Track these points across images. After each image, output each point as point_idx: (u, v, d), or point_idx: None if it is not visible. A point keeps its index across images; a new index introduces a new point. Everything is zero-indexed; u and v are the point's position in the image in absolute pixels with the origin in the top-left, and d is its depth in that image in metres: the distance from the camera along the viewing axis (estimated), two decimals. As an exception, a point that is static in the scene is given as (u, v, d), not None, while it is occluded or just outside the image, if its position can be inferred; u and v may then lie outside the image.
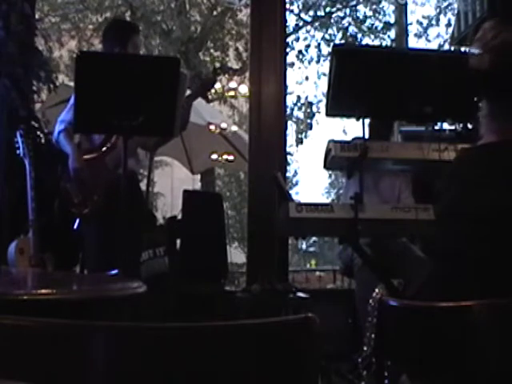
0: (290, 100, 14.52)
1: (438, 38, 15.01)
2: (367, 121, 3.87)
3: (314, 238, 17.59)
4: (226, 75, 13.54)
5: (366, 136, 3.46)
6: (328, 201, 17.34)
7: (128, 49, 3.64)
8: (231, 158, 8.88)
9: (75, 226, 3.55)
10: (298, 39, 14.65)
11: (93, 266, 3.65)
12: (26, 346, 0.91)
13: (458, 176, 1.67)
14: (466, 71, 1.63)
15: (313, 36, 14.79)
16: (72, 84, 4.07)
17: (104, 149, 3.69)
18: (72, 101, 3.68)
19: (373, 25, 14.82)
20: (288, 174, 13.87)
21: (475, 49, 1.60)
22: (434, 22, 14.90)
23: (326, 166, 3.17)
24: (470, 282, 1.52)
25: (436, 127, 3.36)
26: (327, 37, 14.76)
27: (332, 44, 14.43)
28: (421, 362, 1.37)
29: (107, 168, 3.64)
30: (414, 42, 14.81)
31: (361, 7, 14.87)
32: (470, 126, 3.17)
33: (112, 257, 3.18)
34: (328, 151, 3.06)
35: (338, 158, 3.03)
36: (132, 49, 3.64)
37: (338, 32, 14.72)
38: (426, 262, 3.42)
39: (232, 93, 11.89)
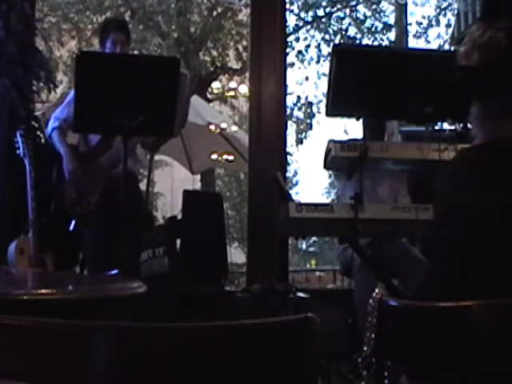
0: (290, 100, 14.55)
1: (438, 38, 15.04)
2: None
3: (314, 238, 17.60)
4: (226, 75, 13.54)
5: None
6: (328, 201, 17.33)
7: (107, 46, 3.63)
8: (231, 158, 8.88)
9: (71, 227, 3.55)
10: (297, 39, 14.68)
11: (92, 266, 3.66)
12: (26, 346, 0.91)
13: (457, 176, 1.67)
14: (458, 72, 1.63)
15: (313, 36, 14.83)
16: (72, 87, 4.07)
17: (98, 149, 3.69)
18: (69, 98, 3.68)
19: (373, 25, 14.84)
20: (288, 174, 13.88)
21: (463, 47, 1.61)
22: (433, 22, 14.91)
23: (325, 166, 3.17)
24: (470, 282, 1.52)
25: (436, 127, 3.36)
26: (327, 37, 14.78)
27: (332, 44, 14.44)
28: (421, 362, 1.37)
29: (102, 168, 3.64)
30: (413, 43, 14.84)
31: (361, 7, 14.90)
32: (470, 125, 3.17)
33: (111, 257, 3.18)
34: (328, 151, 3.06)
35: (337, 158, 3.03)
36: (112, 45, 3.61)
37: (337, 33, 14.73)
38: (425, 263, 3.42)
39: (232, 93, 11.89)
